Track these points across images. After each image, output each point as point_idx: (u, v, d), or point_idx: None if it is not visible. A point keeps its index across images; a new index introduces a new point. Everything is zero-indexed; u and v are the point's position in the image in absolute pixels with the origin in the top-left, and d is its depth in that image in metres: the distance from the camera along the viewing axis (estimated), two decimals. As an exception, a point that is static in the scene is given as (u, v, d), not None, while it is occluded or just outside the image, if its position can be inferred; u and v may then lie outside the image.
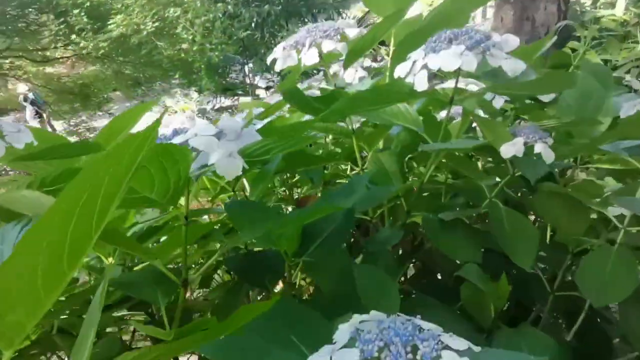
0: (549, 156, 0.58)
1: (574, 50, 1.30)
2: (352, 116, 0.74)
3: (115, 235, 0.41)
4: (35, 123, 7.77)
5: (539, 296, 0.73)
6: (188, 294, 1.14)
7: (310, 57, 0.61)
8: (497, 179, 0.79)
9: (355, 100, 0.51)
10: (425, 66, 0.49)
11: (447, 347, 0.30)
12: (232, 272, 0.83)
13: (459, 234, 0.62)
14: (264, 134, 0.47)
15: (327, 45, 0.60)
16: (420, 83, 0.49)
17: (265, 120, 0.67)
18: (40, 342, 0.61)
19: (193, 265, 0.98)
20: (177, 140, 0.37)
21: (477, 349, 0.32)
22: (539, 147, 0.58)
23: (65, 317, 0.69)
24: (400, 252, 0.83)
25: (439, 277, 0.98)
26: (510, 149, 0.58)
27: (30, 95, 7.86)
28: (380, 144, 0.79)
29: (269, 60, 0.65)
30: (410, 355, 0.29)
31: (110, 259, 0.80)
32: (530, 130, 0.60)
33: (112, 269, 0.43)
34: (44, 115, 8.00)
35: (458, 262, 0.91)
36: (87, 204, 0.25)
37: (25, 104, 8.01)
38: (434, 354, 0.29)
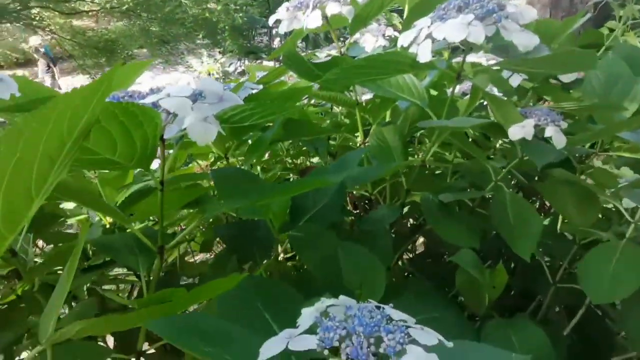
0: (560, 141, 0.54)
1: (612, 30, 1.22)
2: (358, 88, 0.71)
3: (87, 197, 0.40)
4: (47, 77, 7.82)
5: (540, 286, 0.70)
6: (191, 258, 1.14)
7: (313, 20, 0.57)
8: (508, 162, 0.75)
9: (352, 69, 0.48)
10: (429, 35, 0.46)
11: (414, 342, 0.28)
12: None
13: (457, 217, 0.59)
14: (253, 101, 0.44)
15: (332, 8, 0.57)
16: (424, 54, 0.46)
17: (261, 86, 0.64)
18: (24, 298, 0.61)
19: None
20: (148, 100, 0.35)
21: (448, 344, 0.30)
22: (550, 131, 0.54)
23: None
24: (402, 231, 0.81)
25: (444, 259, 0.97)
26: (518, 131, 0.55)
27: (42, 49, 7.87)
28: (387, 117, 0.75)
29: (271, 21, 0.62)
30: (372, 348, 0.27)
31: (108, 218, 0.79)
32: (543, 113, 0.56)
33: (86, 229, 0.41)
34: (55, 69, 8.03)
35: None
36: (22, 164, 0.23)
37: (37, 56, 8.04)
38: (398, 347, 0.27)
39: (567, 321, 0.72)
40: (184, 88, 0.36)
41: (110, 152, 0.33)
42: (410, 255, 0.97)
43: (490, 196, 0.73)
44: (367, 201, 0.88)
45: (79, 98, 0.24)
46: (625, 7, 1.32)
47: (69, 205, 0.96)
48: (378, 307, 0.30)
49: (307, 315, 0.31)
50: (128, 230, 0.68)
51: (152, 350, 0.63)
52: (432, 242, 0.94)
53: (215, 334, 0.30)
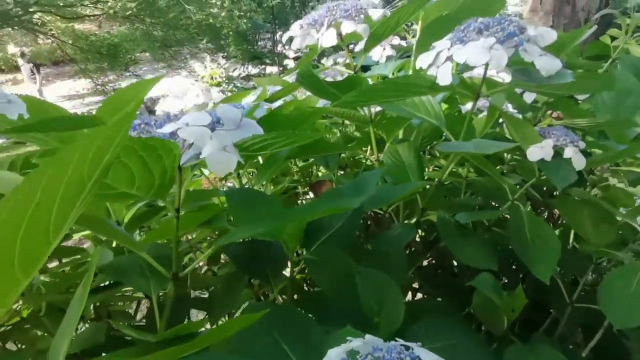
0: (580, 162, 0.53)
1: (613, 38, 1.21)
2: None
3: (99, 224, 0.39)
4: (31, 84, 7.83)
5: (557, 305, 0.69)
6: (197, 268, 1.13)
7: (328, 39, 0.57)
8: (521, 178, 0.74)
9: (372, 91, 0.47)
10: (450, 58, 0.45)
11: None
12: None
13: (475, 238, 0.58)
14: (267, 123, 0.43)
15: (347, 27, 0.56)
16: (444, 76, 0.45)
17: (276, 104, 0.63)
18: (30, 321, 0.60)
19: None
20: (166, 130, 0.34)
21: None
22: (569, 152, 0.53)
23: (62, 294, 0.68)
24: (413, 249, 0.80)
25: (454, 273, 0.95)
26: (538, 152, 0.54)
27: (27, 55, 7.90)
28: (400, 134, 0.75)
29: (284, 38, 0.61)
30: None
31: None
32: (561, 133, 0.55)
33: (99, 254, 0.40)
34: (37, 77, 8.05)
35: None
36: (40, 211, 0.22)
37: (22, 61, 8.05)
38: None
39: (584, 340, 0.71)
40: (202, 116, 0.35)
41: (129, 186, 0.32)
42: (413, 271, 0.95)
43: (505, 215, 0.73)
44: (377, 217, 0.87)
45: (101, 138, 0.23)
46: (630, 16, 1.31)
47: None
48: (406, 348, 0.29)
49: (334, 356, 0.29)
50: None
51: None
52: (445, 259, 0.93)
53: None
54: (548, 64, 0.42)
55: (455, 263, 0.95)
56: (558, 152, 0.55)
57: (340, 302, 0.48)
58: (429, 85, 0.46)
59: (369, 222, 0.85)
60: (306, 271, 0.86)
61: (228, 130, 0.37)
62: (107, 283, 0.63)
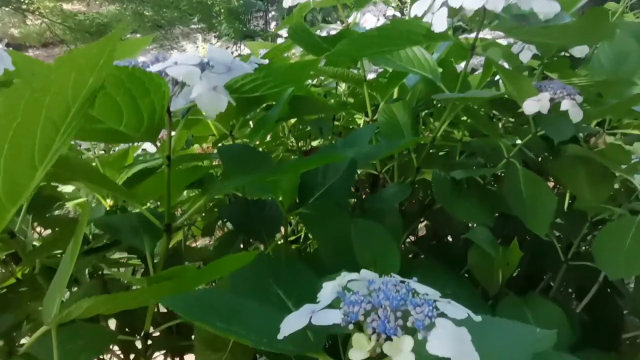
0: (577, 115, 0.52)
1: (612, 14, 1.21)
2: (365, 64, 0.69)
3: (90, 173, 0.38)
4: None
5: (551, 265, 0.69)
6: (192, 243, 1.13)
7: (320, -8, 0.55)
8: (518, 141, 0.74)
9: (364, 39, 0.46)
10: (445, 4, 0.44)
11: (442, 315, 0.27)
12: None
13: (470, 194, 0.58)
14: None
15: (340, -21, 0.55)
16: (439, 23, 0.44)
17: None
18: (25, 282, 0.60)
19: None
20: (154, 68, 0.33)
21: (477, 318, 0.29)
22: (566, 105, 0.53)
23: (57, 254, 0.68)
24: (408, 212, 0.80)
25: (449, 238, 0.96)
26: (534, 105, 0.53)
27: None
28: (395, 94, 0.74)
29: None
30: (400, 322, 0.26)
31: (109, 201, 0.78)
32: (558, 86, 0.55)
33: (89, 209, 0.40)
34: None
35: (469, 225, 0.87)
36: (23, 129, 0.21)
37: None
38: (427, 321, 0.26)
39: (578, 300, 0.72)
40: (192, 57, 0.35)
41: (117, 122, 0.31)
42: (413, 239, 0.96)
43: (501, 174, 0.72)
44: (368, 185, 0.87)
45: (83, 58, 0.22)
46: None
47: (67, 188, 0.94)
48: (402, 281, 0.29)
49: (329, 289, 0.29)
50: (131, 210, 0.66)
51: (157, 333, 0.62)
52: (436, 223, 0.93)
53: (230, 310, 0.29)
54: (546, 7, 0.41)
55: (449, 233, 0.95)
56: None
57: (336, 256, 0.48)
58: (424, 32, 0.45)
59: (362, 196, 0.85)
60: (301, 239, 0.86)
61: (219, 72, 0.36)
62: (100, 245, 0.63)
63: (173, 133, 0.39)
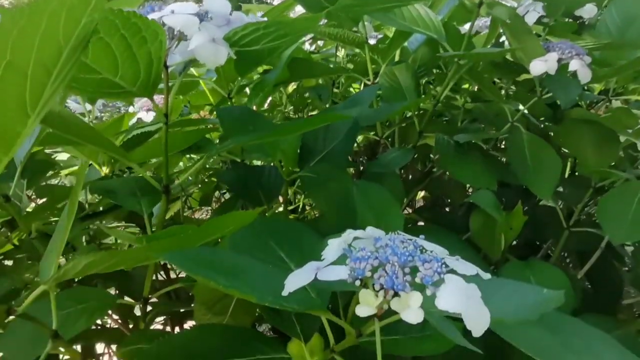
0: (585, 75, 0.51)
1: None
2: (367, 26, 0.67)
3: (87, 131, 0.37)
4: None
5: (552, 232, 0.69)
6: (191, 213, 1.12)
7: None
8: (520, 107, 0.73)
9: (369, -7, 0.44)
10: (453, -45, 0.42)
11: (452, 271, 0.26)
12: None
13: (474, 159, 0.57)
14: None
15: None
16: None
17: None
18: (22, 247, 0.59)
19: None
20: (151, 17, 0.31)
21: (486, 275, 0.28)
22: (574, 65, 0.51)
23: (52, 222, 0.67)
24: (410, 179, 0.79)
25: (447, 210, 0.95)
26: (541, 66, 0.52)
27: None
28: (396, 57, 0.72)
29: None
30: (408, 277, 0.25)
31: (104, 168, 0.76)
32: (566, 45, 0.53)
33: (85, 171, 0.38)
34: None
35: (470, 192, 0.87)
36: (12, 70, 0.20)
37: None
38: (436, 277, 0.25)
39: (579, 266, 0.71)
40: (190, 6, 0.33)
41: (112, 72, 0.30)
42: (410, 211, 0.95)
43: (503, 143, 0.71)
44: (367, 154, 0.85)
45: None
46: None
47: (62, 156, 0.93)
48: (409, 239, 0.28)
49: (334, 246, 0.28)
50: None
51: (155, 299, 0.62)
52: (435, 193, 0.93)
53: (232, 268, 0.28)
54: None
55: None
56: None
57: (338, 218, 0.47)
58: (431, -14, 0.43)
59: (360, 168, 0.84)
60: (299, 210, 0.85)
61: (218, 25, 0.34)
62: (97, 211, 0.62)
63: (171, 90, 0.38)
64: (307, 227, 0.41)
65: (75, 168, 0.86)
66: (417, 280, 0.25)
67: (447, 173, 0.93)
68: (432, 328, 0.40)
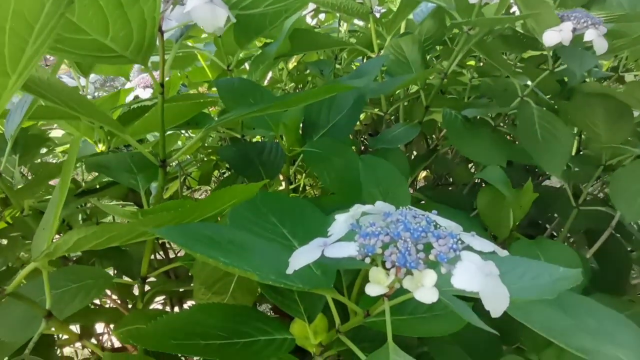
0: (601, 46, 0.49)
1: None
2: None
3: (81, 102, 0.35)
4: None
5: (561, 211, 0.67)
6: (190, 193, 1.11)
7: None
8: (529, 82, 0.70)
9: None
10: None
11: (468, 248, 0.24)
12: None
13: (482, 133, 0.55)
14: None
15: None
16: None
17: None
18: (15, 225, 0.57)
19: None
20: (143, -25, 0.29)
21: (503, 252, 0.26)
22: (590, 35, 0.49)
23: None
24: (414, 157, 0.77)
25: (450, 189, 0.93)
26: (555, 36, 0.49)
27: None
28: (401, 30, 0.69)
29: None
30: (421, 254, 0.23)
31: (100, 146, 0.74)
32: (581, 15, 0.51)
33: (78, 144, 0.37)
34: None
35: (475, 171, 0.85)
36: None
37: None
38: (451, 254, 0.23)
39: (588, 246, 0.70)
40: (186, -36, 0.31)
41: (102, 33, 0.28)
42: (411, 190, 0.93)
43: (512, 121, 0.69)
44: (370, 131, 0.83)
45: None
46: None
47: (56, 133, 0.91)
48: (422, 214, 0.26)
49: (342, 222, 0.27)
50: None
51: (153, 279, 0.60)
52: (440, 170, 0.91)
53: (233, 245, 0.26)
54: None
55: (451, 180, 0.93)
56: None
57: (342, 193, 0.45)
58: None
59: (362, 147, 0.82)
60: (299, 189, 0.83)
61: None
62: (92, 188, 0.60)
63: (166, 58, 0.36)
64: (310, 203, 0.39)
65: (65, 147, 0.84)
66: (431, 257, 0.23)
67: (451, 152, 0.91)
68: (441, 308, 0.39)
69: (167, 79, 0.87)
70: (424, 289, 0.23)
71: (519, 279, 0.31)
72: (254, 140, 0.76)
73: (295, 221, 0.37)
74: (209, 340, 0.31)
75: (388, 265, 0.23)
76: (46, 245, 0.33)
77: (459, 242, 0.24)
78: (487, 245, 0.25)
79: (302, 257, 0.25)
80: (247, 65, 0.80)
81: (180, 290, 0.59)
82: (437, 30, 0.69)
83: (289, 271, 0.24)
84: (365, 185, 0.42)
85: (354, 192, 0.42)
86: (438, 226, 0.25)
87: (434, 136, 0.76)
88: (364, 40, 0.73)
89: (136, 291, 0.65)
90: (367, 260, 0.24)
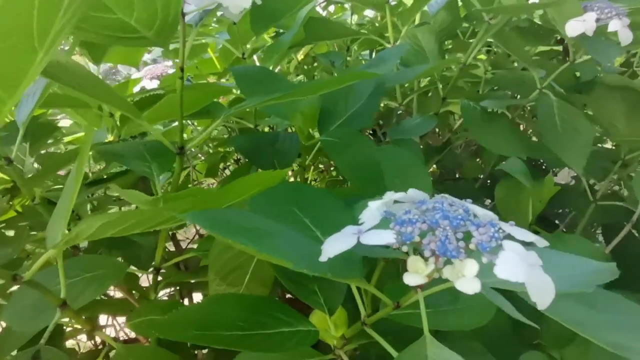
0: (626, 37, 0.48)
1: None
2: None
3: (97, 85, 0.34)
4: None
5: (576, 206, 0.66)
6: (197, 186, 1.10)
7: None
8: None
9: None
10: None
11: (509, 237, 0.23)
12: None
13: (501, 124, 0.54)
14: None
15: None
16: None
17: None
18: (25, 214, 0.56)
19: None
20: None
21: (543, 242, 0.25)
22: (615, 25, 0.48)
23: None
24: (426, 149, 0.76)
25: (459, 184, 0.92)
26: (578, 26, 0.48)
27: None
28: (416, 20, 0.68)
29: None
30: (462, 243, 0.22)
31: (109, 136, 0.73)
32: (605, 5, 0.50)
33: (92, 131, 0.35)
34: None
35: (484, 166, 0.84)
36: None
37: None
38: (493, 243, 0.22)
39: (605, 241, 0.69)
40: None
41: (127, 12, 0.27)
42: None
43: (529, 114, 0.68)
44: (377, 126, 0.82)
45: None
46: None
47: (65, 123, 0.90)
48: (458, 201, 0.25)
49: (374, 209, 0.26)
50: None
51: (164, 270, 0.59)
52: (450, 164, 0.90)
53: (260, 232, 0.25)
54: None
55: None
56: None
57: (362, 184, 0.44)
58: None
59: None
60: (310, 180, 0.82)
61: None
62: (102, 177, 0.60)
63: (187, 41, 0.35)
64: (331, 193, 0.38)
65: (78, 135, 0.83)
66: (471, 246, 0.22)
67: (460, 147, 0.90)
68: (465, 301, 0.38)
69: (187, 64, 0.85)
70: (466, 279, 0.22)
71: (556, 272, 0.30)
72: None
73: (317, 211, 0.36)
74: (231, 331, 0.30)
75: (427, 254, 0.22)
76: (61, 233, 0.32)
77: (500, 231, 0.23)
78: (528, 235, 0.24)
79: (337, 244, 0.24)
80: (255, 58, 0.79)
81: (192, 281, 0.58)
82: (451, 23, 0.68)
83: (323, 259, 0.23)
84: (386, 176, 0.41)
85: (375, 183, 0.41)
86: (475, 215, 0.24)
87: (446, 129, 0.75)
88: (376, 31, 0.72)
89: (142, 282, 0.64)
90: (404, 248, 0.23)
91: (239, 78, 0.46)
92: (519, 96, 0.66)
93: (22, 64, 0.20)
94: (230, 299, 0.34)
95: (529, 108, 0.71)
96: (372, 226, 0.24)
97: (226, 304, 0.33)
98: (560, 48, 0.92)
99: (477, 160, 0.88)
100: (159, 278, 0.52)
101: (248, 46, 0.59)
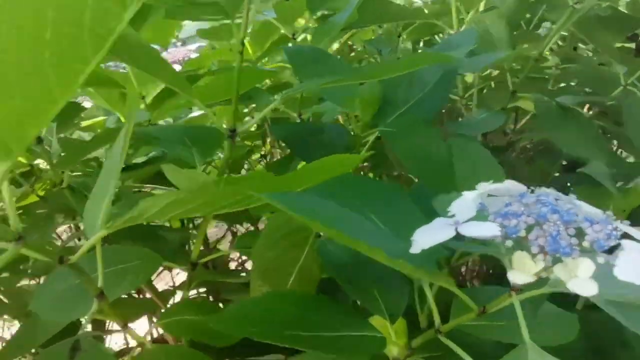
0: None
1: None
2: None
3: (150, 54, 0.34)
4: None
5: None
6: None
7: None
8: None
9: None
10: None
11: (627, 236, 0.23)
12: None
13: (579, 123, 0.53)
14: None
15: None
16: None
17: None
18: (47, 199, 0.57)
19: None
20: None
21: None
22: None
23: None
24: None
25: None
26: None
27: None
28: (481, 7, 0.68)
29: None
30: (574, 240, 0.22)
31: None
32: None
33: (136, 104, 0.36)
34: None
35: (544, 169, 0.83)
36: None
37: None
38: (611, 242, 0.22)
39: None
40: None
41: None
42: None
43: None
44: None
45: None
46: None
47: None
48: (562, 196, 0.25)
49: (469, 200, 0.25)
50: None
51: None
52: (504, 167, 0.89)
53: (343, 219, 0.26)
54: None
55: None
56: None
57: (433, 183, 0.44)
58: None
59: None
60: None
61: None
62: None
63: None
64: (399, 188, 0.38)
65: (100, 119, 0.85)
66: (585, 244, 0.22)
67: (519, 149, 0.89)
68: (543, 314, 0.37)
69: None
70: (579, 280, 0.22)
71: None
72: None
73: (382, 206, 0.36)
74: (292, 330, 0.30)
75: (534, 250, 0.22)
76: (103, 215, 0.33)
77: (617, 229, 0.23)
78: (646, 235, 0.23)
79: (431, 235, 0.23)
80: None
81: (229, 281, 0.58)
82: (517, 10, 0.68)
83: (415, 250, 0.23)
84: (458, 172, 0.41)
85: (444, 179, 0.41)
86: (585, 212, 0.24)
87: (511, 126, 0.75)
88: (437, 15, 0.71)
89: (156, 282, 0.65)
90: (508, 243, 0.23)
91: (292, 57, 0.46)
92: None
93: (83, 49, 0.20)
94: (288, 296, 0.34)
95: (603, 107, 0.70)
96: (470, 217, 0.24)
97: (284, 301, 0.33)
98: (632, 45, 0.91)
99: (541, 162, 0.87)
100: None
101: (302, 22, 0.59)
